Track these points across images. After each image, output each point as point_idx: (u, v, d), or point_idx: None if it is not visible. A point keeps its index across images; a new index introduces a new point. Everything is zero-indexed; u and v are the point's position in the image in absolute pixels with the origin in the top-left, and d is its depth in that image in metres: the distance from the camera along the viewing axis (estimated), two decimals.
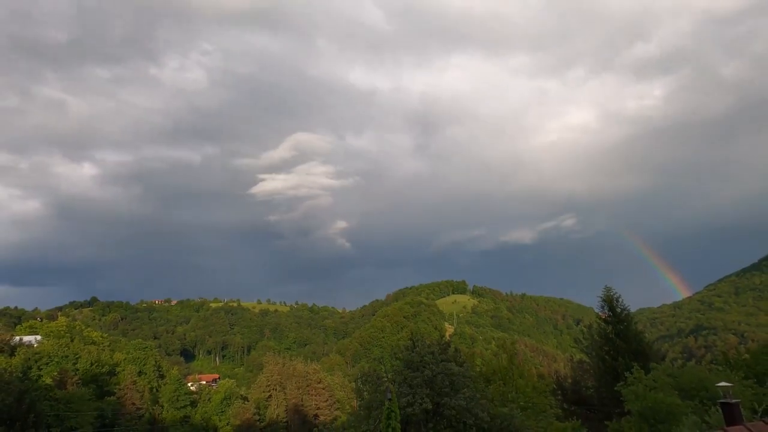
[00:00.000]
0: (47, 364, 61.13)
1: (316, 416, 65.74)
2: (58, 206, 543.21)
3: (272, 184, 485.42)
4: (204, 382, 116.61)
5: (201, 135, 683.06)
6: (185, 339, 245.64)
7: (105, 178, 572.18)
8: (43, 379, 56.31)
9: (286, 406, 66.55)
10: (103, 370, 66.32)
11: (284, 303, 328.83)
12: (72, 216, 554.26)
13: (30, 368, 58.60)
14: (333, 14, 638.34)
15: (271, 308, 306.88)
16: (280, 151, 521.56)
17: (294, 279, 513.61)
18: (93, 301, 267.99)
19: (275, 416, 65.18)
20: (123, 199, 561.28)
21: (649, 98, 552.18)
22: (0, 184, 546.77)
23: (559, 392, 39.98)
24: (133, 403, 60.56)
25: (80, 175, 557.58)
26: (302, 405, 66.85)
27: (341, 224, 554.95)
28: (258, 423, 64.29)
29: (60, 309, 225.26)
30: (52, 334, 77.85)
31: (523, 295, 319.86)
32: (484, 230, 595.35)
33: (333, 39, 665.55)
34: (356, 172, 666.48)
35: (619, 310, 37.15)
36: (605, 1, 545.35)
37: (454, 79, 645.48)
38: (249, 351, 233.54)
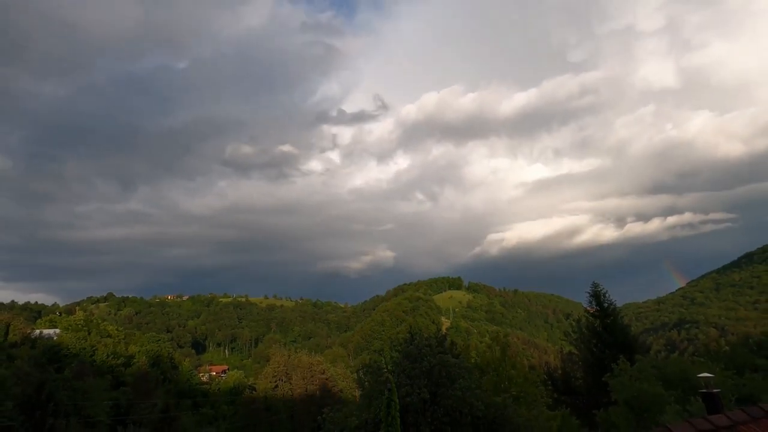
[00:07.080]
0: (66, 356, 61.07)
1: (319, 406, 65.62)
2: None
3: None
4: (214, 373, 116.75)
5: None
6: (196, 332, 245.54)
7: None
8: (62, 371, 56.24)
9: (292, 395, 66.53)
10: (119, 361, 66.24)
11: (289, 298, 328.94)
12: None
13: (49, 360, 58.54)
14: None
15: (277, 303, 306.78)
16: None
17: None
18: (109, 297, 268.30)
19: (281, 405, 65.15)
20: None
21: None
22: None
23: (550, 383, 39.97)
24: (147, 393, 60.47)
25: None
26: (307, 394, 66.80)
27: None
28: (265, 411, 64.26)
29: (78, 304, 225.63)
30: (70, 327, 77.66)
31: (516, 290, 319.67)
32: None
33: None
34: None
35: (606, 304, 37.14)
36: None
37: None
38: (256, 344, 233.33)
